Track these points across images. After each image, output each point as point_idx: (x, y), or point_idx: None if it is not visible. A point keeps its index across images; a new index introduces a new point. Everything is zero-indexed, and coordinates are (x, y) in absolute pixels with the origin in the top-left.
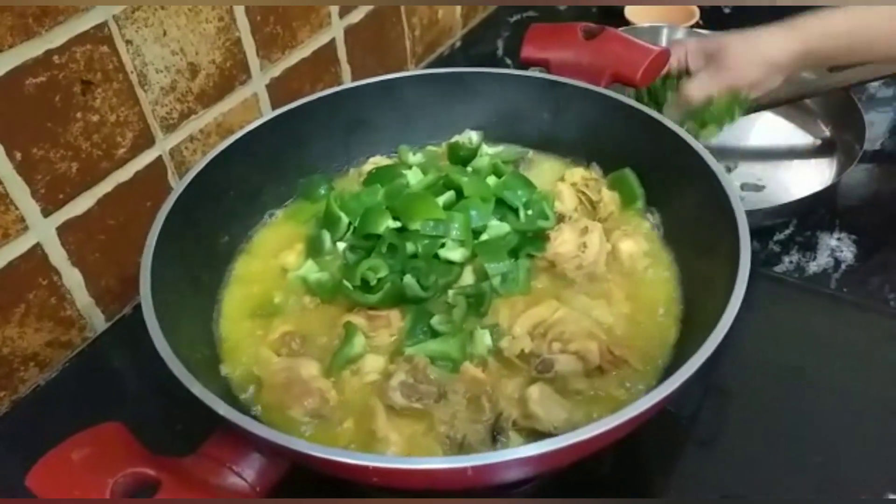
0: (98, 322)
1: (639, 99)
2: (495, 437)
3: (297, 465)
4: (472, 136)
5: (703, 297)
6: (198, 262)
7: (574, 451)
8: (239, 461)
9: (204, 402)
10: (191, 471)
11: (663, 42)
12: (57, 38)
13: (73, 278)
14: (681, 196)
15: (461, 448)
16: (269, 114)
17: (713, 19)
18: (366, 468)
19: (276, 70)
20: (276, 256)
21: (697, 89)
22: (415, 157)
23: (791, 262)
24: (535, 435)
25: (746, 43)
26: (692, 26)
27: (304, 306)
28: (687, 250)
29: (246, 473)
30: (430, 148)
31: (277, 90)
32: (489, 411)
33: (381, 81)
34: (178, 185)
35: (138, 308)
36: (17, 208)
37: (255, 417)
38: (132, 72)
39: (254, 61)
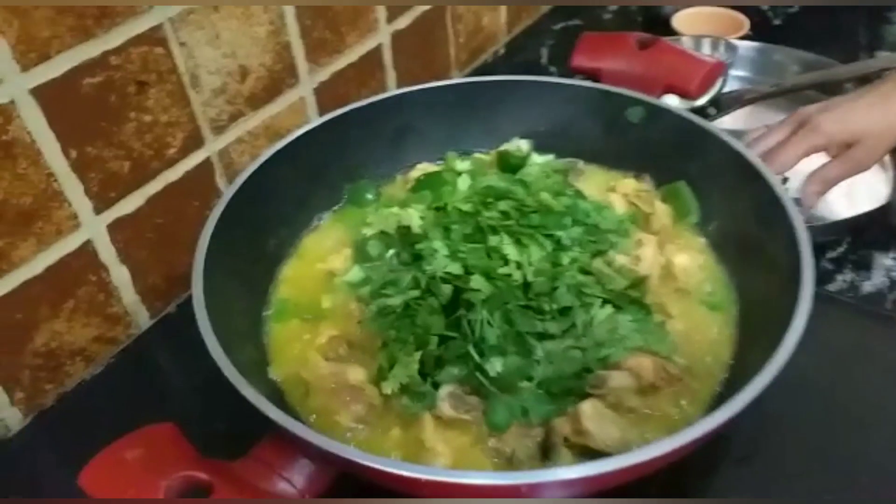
0: (143, 319)
1: None
2: (545, 452)
3: (344, 473)
4: (521, 145)
5: (760, 315)
6: (247, 264)
7: (631, 472)
8: (288, 467)
9: (255, 405)
10: (241, 475)
11: (706, 51)
12: (114, 39)
13: (121, 275)
14: (737, 211)
15: (510, 463)
16: (317, 119)
17: (762, 31)
18: (417, 480)
19: (324, 74)
20: (324, 261)
21: (819, 183)
22: (462, 164)
23: (845, 280)
24: (587, 452)
25: (888, 127)
26: (741, 38)
27: (351, 312)
28: (742, 267)
29: (295, 480)
30: (477, 155)
31: (324, 94)
32: (540, 426)
33: (430, 88)
34: (228, 189)
35: (182, 306)
36: (70, 205)
37: (302, 422)
38: (184, 73)
39: (302, 65)
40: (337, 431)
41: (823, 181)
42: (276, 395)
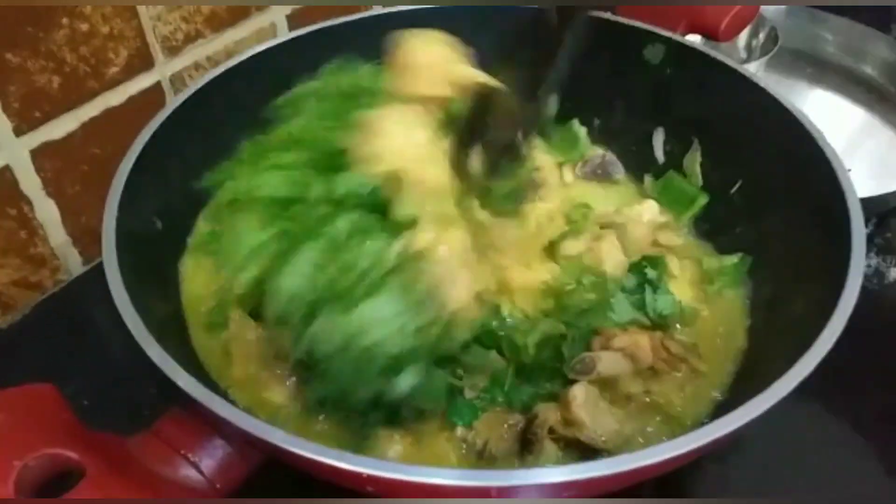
0: (74, 264)
1: None
2: (524, 444)
3: (270, 460)
4: None
5: (785, 287)
6: (181, 201)
7: (627, 477)
8: (196, 448)
9: (161, 368)
10: (132, 455)
11: None
12: None
13: (47, 211)
14: (753, 157)
15: (481, 457)
16: (284, 35)
17: None
18: (359, 475)
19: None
20: None
21: None
22: None
23: (869, 265)
24: (576, 447)
25: None
26: None
27: None
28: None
29: (204, 464)
30: None
31: (299, 24)
32: (521, 413)
33: (424, 10)
34: (167, 106)
35: None
36: None
37: (224, 395)
38: None
39: None
40: (265, 409)
41: None
42: (199, 361)
